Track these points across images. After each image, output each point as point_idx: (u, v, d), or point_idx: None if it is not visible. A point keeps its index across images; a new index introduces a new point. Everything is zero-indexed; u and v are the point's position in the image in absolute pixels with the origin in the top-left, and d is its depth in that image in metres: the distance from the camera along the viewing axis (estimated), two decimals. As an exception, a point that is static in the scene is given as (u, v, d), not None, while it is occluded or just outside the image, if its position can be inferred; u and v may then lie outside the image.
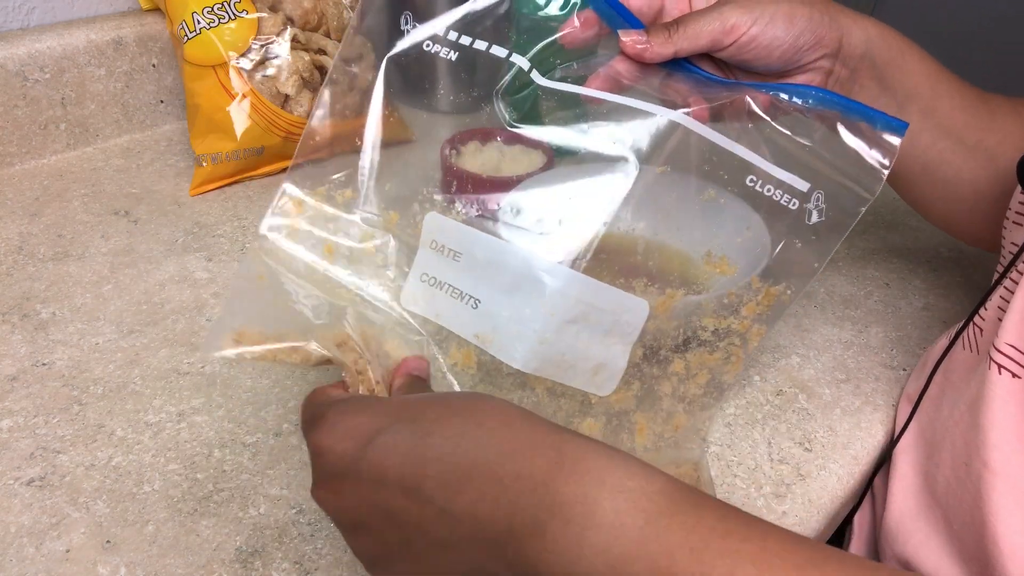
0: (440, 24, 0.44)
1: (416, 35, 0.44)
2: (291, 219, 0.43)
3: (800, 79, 0.46)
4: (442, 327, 0.41)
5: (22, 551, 0.38)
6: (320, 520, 0.40)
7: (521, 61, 0.44)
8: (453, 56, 0.44)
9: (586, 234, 0.40)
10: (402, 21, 0.44)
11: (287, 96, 0.66)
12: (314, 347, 0.38)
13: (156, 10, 0.72)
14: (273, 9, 0.66)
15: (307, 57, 0.66)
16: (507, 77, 0.44)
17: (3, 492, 0.40)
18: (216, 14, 0.64)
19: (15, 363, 0.48)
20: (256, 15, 0.65)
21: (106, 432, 0.44)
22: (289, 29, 0.66)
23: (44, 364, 0.48)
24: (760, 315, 0.42)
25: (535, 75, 0.43)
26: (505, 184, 0.64)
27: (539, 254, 0.39)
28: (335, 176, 0.45)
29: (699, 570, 0.24)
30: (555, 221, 0.41)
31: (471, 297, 0.40)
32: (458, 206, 0.43)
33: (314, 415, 0.32)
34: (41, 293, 0.54)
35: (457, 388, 0.41)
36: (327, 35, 0.69)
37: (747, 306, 0.42)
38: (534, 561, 0.26)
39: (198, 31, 0.63)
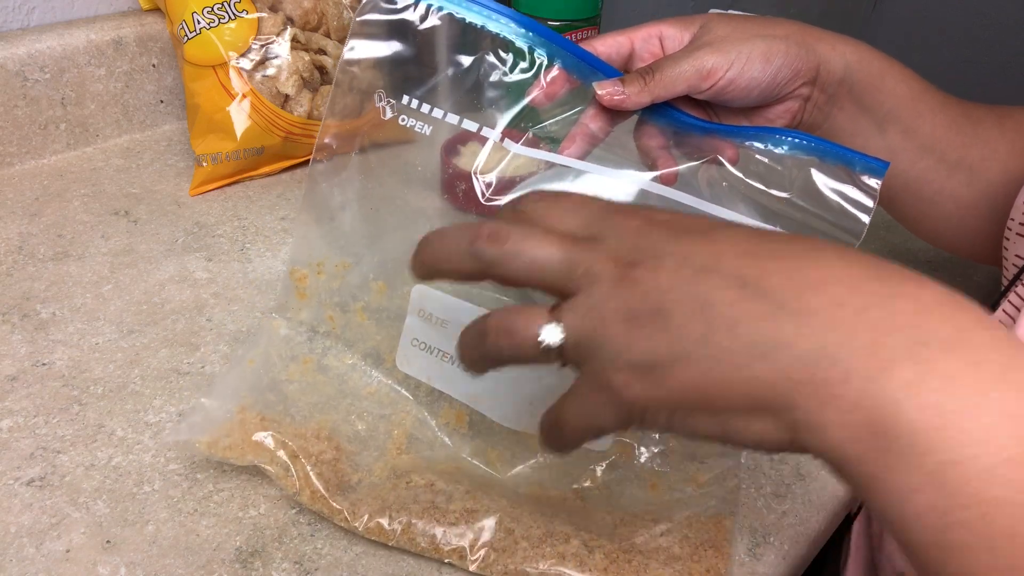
0: (411, 99, 0.45)
1: (389, 111, 0.45)
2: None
3: (778, 109, 0.46)
4: (433, 388, 0.43)
5: (22, 551, 0.38)
6: (320, 520, 0.40)
7: (492, 134, 0.44)
8: (427, 130, 0.45)
9: None
10: (376, 98, 0.45)
11: (287, 96, 0.66)
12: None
13: (156, 10, 0.72)
14: (273, 9, 0.66)
15: (307, 57, 0.66)
16: (482, 155, 0.44)
17: (3, 492, 0.40)
18: (216, 14, 0.64)
19: (15, 363, 0.48)
20: (256, 15, 0.65)
21: (106, 432, 0.44)
22: (289, 29, 0.66)
23: (44, 364, 0.48)
24: None
25: (508, 143, 0.43)
26: (505, 184, 0.64)
27: None
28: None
29: None
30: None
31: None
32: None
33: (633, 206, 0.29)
34: (41, 293, 0.54)
35: (450, 445, 0.42)
36: (327, 35, 0.69)
37: None
38: (897, 391, 0.21)
39: (198, 31, 0.63)
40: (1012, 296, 0.40)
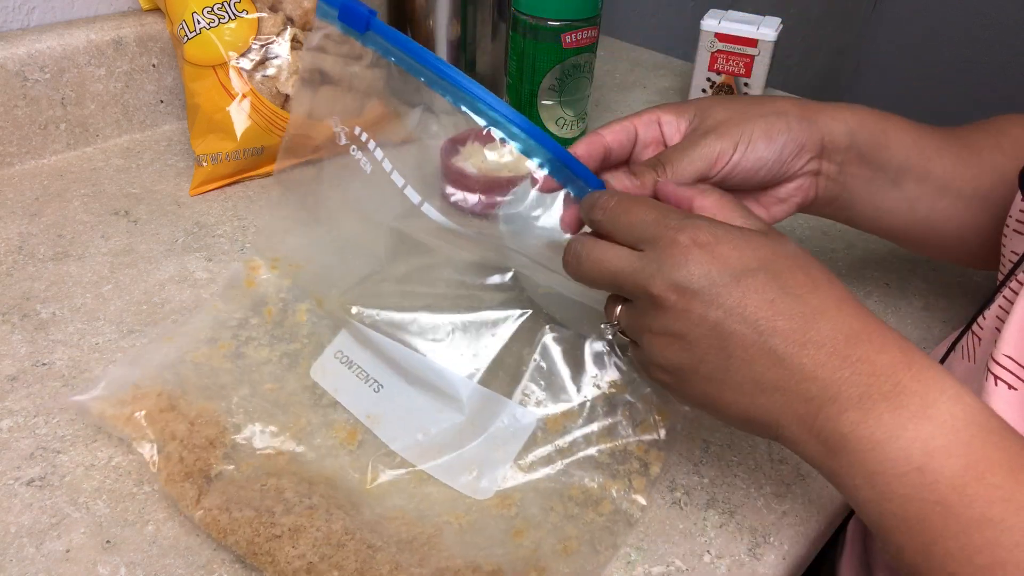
0: (362, 133, 0.47)
1: (343, 138, 0.47)
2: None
3: (790, 187, 0.46)
4: (336, 402, 0.45)
5: (22, 551, 0.38)
6: (320, 520, 0.40)
7: (432, 213, 0.46)
8: (369, 168, 0.46)
9: (484, 357, 0.45)
10: (332, 123, 0.47)
11: (287, 96, 0.66)
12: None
13: (156, 10, 0.72)
14: (273, 9, 0.66)
15: (307, 57, 0.66)
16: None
17: (3, 492, 0.40)
18: (216, 14, 0.64)
19: (15, 363, 0.48)
20: (256, 15, 0.65)
21: (106, 432, 0.44)
22: (289, 29, 0.66)
23: (44, 364, 0.48)
24: (656, 442, 0.42)
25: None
26: (505, 184, 0.64)
27: (444, 363, 0.44)
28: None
29: (1008, 488, 0.28)
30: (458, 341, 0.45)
31: (376, 381, 0.45)
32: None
33: (679, 218, 0.33)
34: (41, 293, 0.54)
35: (332, 458, 0.43)
36: (327, 35, 0.69)
37: (642, 425, 0.43)
38: (845, 428, 0.30)
39: (198, 31, 0.63)
40: (1006, 291, 0.40)
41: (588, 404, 0.44)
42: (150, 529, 0.39)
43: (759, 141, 0.42)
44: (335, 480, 0.41)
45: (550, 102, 0.69)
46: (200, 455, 0.40)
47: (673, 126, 0.45)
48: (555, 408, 0.43)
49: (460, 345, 0.45)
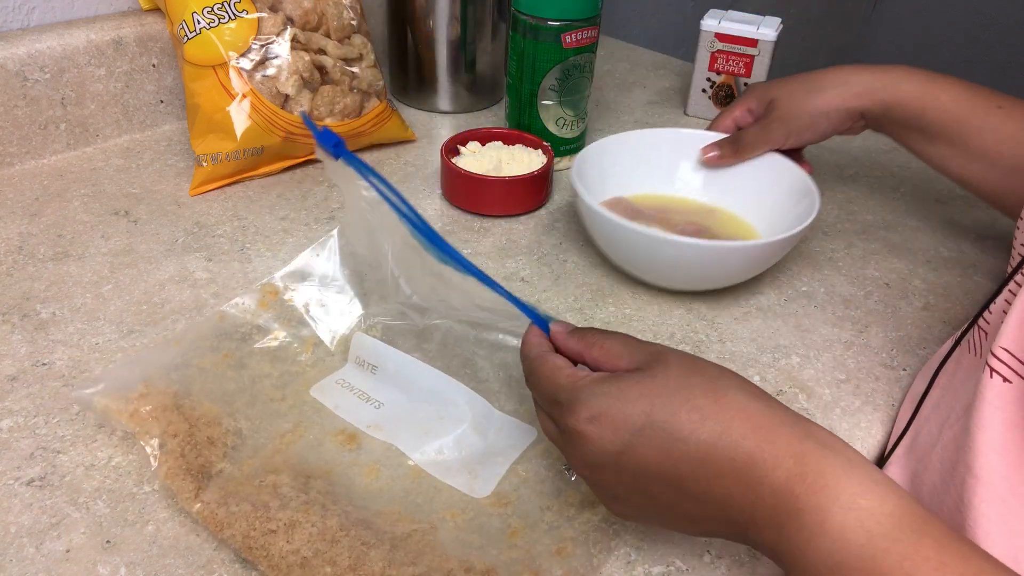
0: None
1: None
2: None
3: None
4: (335, 414, 0.46)
5: (22, 551, 0.38)
6: (320, 520, 0.40)
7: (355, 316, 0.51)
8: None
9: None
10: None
11: (287, 96, 0.66)
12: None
13: (156, 10, 0.72)
14: (273, 9, 0.66)
15: (307, 57, 0.66)
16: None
17: (3, 492, 0.40)
18: (216, 14, 0.64)
19: (15, 363, 0.48)
20: (256, 15, 0.65)
21: (106, 432, 0.44)
22: (289, 29, 0.66)
23: (44, 364, 0.48)
24: None
25: None
26: (505, 184, 0.64)
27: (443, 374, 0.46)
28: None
29: None
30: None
31: (377, 401, 0.46)
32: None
33: (566, 399, 0.35)
34: (41, 293, 0.54)
35: (330, 451, 0.43)
36: (327, 35, 0.69)
37: None
38: (771, 544, 0.32)
39: (198, 31, 0.63)
40: (1013, 285, 0.40)
41: None
42: (150, 529, 0.39)
43: (806, 131, 0.61)
44: (333, 475, 0.41)
45: (550, 102, 0.69)
46: (201, 452, 0.41)
47: (757, 113, 0.64)
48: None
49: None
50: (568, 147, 0.73)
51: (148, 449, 0.41)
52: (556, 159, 0.73)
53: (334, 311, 0.51)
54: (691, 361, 0.35)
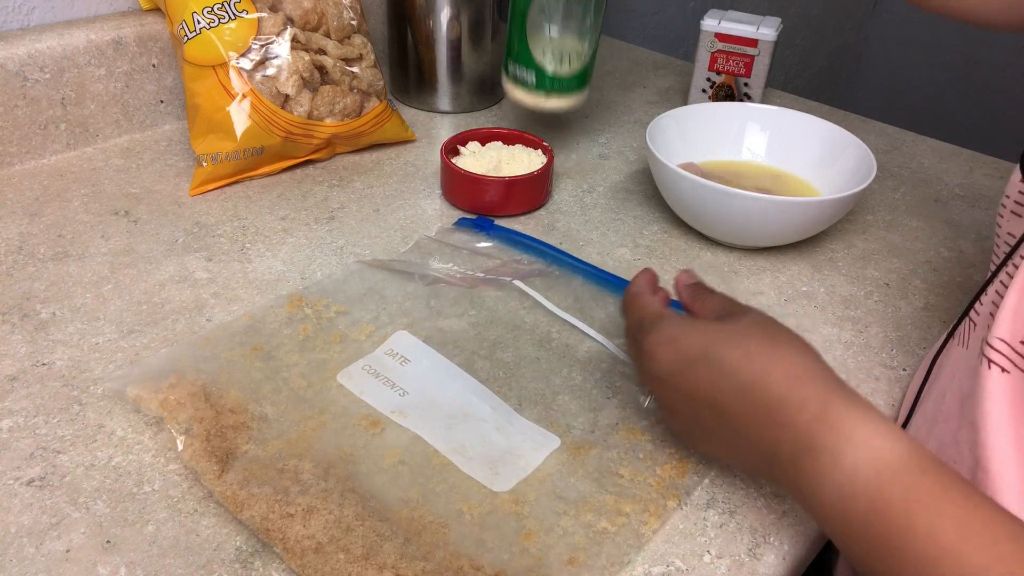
0: None
1: None
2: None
3: None
4: (361, 399, 0.46)
5: (22, 551, 0.38)
6: (320, 520, 0.40)
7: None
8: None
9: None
10: None
11: (287, 96, 0.66)
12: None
13: (156, 10, 0.72)
14: (273, 9, 0.66)
15: (307, 57, 0.66)
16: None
17: (3, 492, 0.40)
18: (216, 14, 0.64)
19: (15, 363, 0.48)
20: (256, 15, 0.65)
21: (106, 432, 0.44)
22: (289, 29, 0.66)
23: (44, 364, 0.48)
24: (675, 483, 0.43)
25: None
26: (505, 184, 0.64)
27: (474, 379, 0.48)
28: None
29: (906, 521, 0.31)
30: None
31: (402, 388, 0.48)
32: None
33: (650, 324, 0.41)
34: (41, 293, 0.54)
35: (354, 435, 0.44)
36: (327, 35, 0.69)
37: (662, 467, 0.43)
38: (790, 480, 0.36)
39: (198, 31, 0.63)
40: (1002, 275, 0.40)
41: (612, 430, 0.45)
42: (150, 529, 0.39)
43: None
44: (356, 458, 0.42)
45: (543, 29, 0.64)
46: (227, 436, 0.42)
47: None
48: (579, 435, 0.45)
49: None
50: (561, 85, 0.68)
51: (174, 432, 0.42)
52: (544, 96, 0.68)
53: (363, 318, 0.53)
54: (764, 319, 0.40)
